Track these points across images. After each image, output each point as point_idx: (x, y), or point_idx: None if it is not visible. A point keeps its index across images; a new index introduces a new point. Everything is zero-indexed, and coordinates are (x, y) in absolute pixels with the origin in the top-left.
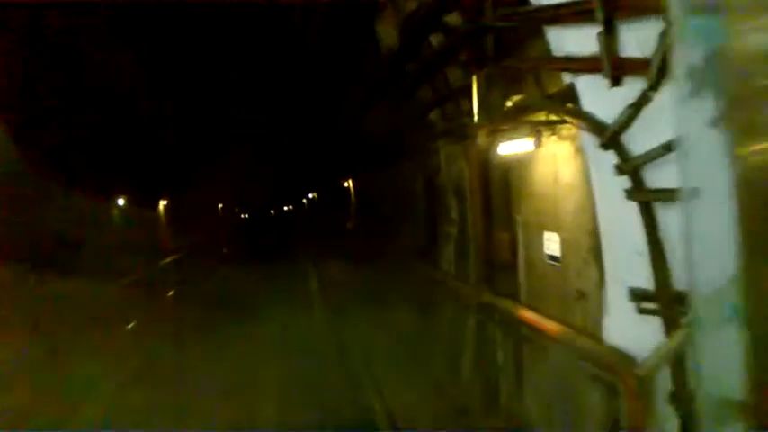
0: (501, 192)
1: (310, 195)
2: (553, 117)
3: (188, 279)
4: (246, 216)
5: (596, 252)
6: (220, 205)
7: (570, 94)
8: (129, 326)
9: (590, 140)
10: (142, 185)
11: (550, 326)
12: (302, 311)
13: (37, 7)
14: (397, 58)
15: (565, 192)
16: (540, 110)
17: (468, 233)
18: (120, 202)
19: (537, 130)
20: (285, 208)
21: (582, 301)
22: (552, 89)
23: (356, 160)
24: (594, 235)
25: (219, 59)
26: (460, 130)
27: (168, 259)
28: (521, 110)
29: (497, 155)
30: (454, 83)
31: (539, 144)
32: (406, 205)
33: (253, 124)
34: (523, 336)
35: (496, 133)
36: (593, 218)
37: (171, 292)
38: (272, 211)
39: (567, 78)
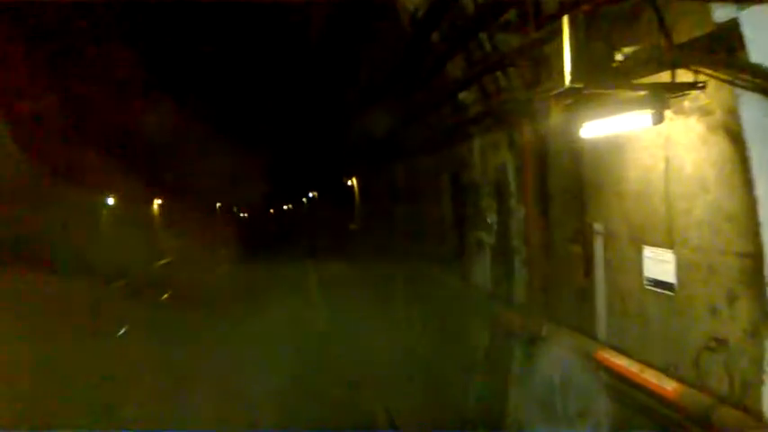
0: (569, 190)
1: (310, 194)
2: (683, 78)
3: (184, 281)
4: (246, 215)
5: (753, 281)
6: (218, 204)
7: (724, 40)
8: (120, 332)
9: (754, 111)
10: (135, 183)
11: (658, 381)
12: (304, 330)
13: (35, 4)
14: (423, 23)
15: (688, 190)
16: (669, 66)
17: (512, 242)
18: (110, 200)
19: (661, 98)
20: (285, 207)
21: (720, 354)
22: (683, 35)
23: (362, 155)
24: (751, 256)
25: (218, 46)
26: (517, 107)
27: (164, 260)
28: (635, 66)
29: (569, 139)
30: (502, 48)
31: (659, 119)
32: (423, 205)
33: (252, 119)
34: (604, 386)
35: (580, 106)
36: (752, 230)
37: (166, 295)
38: (271, 210)
39: (720, 14)
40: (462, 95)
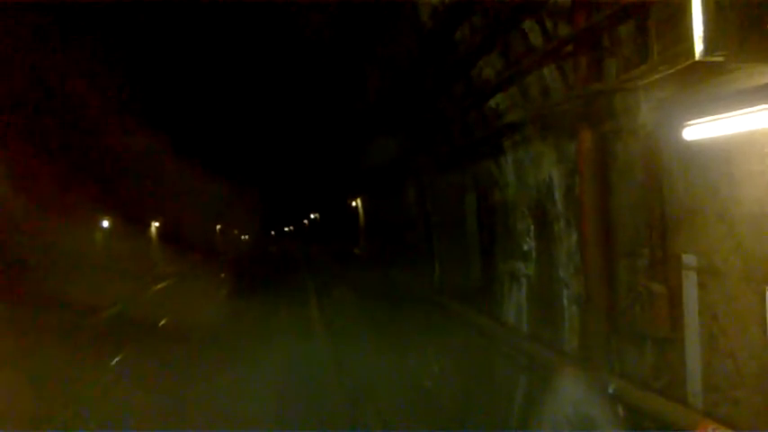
0: (643, 212)
1: (312, 216)
2: None
3: (181, 309)
4: (246, 237)
5: None
6: (219, 226)
7: None
8: (113, 362)
9: None
10: (132, 205)
11: None
12: (307, 371)
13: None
14: (450, 12)
15: None
16: None
17: (558, 273)
18: (105, 223)
19: None
20: (286, 229)
21: None
22: None
23: (369, 173)
24: None
25: (218, 55)
26: (576, 109)
27: (161, 285)
28: None
29: (647, 147)
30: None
31: None
32: (441, 230)
33: (252, 141)
34: None
35: (681, 99)
36: None
37: (162, 322)
38: (272, 232)
39: None
40: (495, 101)
